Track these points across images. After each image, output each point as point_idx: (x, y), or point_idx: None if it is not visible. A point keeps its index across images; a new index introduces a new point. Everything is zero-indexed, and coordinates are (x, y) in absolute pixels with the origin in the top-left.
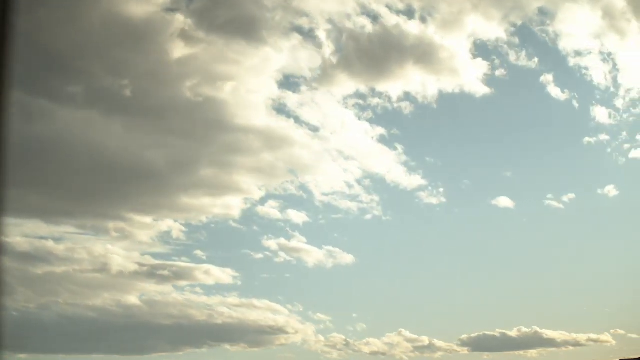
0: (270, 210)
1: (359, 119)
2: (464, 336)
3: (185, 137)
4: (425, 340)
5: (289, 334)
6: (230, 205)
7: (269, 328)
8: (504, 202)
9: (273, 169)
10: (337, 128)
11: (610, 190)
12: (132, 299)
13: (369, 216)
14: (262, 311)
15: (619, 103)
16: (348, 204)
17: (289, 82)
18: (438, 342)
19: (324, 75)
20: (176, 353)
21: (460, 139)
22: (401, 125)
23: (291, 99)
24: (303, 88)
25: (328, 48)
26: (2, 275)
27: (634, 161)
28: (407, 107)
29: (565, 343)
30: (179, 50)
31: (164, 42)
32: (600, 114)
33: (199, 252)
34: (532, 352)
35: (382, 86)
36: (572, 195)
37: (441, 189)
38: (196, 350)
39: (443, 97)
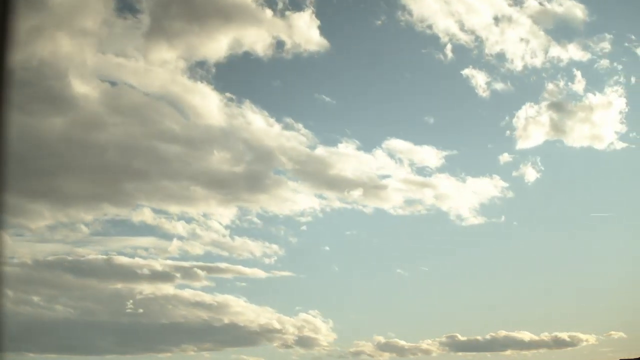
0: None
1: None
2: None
3: (27, 113)
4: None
5: (255, 334)
6: (125, 191)
7: (235, 326)
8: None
9: (153, 149)
10: (188, 96)
11: (527, 172)
12: (71, 295)
13: None
14: (221, 307)
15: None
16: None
17: (109, 46)
18: (417, 344)
19: (143, 40)
20: (161, 354)
21: (334, 102)
22: (254, 88)
23: (117, 65)
24: (126, 53)
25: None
26: (3, 276)
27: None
28: (253, 67)
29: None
30: None
31: None
32: (476, 78)
33: (102, 245)
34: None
35: (206, 48)
36: (495, 177)
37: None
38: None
39: (298, 56)
